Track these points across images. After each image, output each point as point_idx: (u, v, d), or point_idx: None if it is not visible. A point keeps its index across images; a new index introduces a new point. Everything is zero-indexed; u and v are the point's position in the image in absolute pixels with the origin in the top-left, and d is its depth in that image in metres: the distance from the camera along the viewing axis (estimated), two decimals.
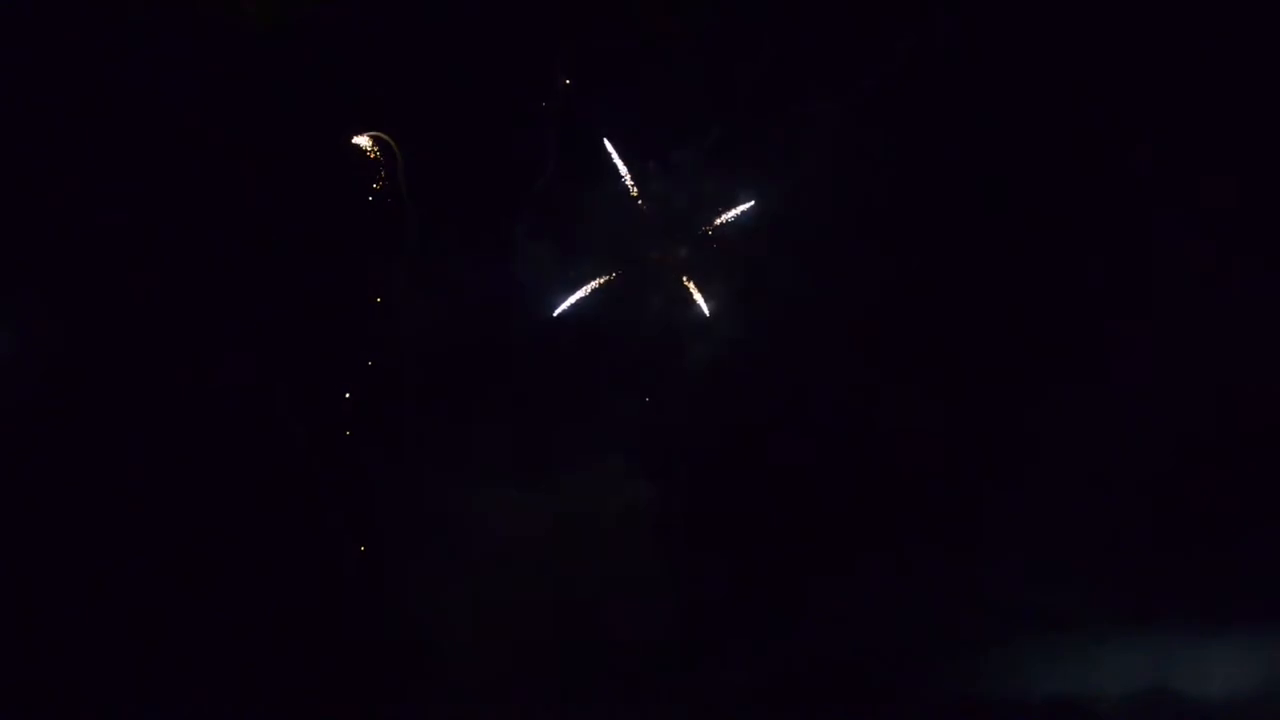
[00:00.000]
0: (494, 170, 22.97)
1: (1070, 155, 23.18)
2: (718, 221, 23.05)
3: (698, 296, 23.12)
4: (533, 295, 23.10)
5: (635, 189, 22.83)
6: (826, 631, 23.04)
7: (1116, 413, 23.09)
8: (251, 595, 21.99)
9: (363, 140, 22.62)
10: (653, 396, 23.69)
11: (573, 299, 23.03)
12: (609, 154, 22.80)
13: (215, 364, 22.34)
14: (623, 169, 22.70)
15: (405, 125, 22.84)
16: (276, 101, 22.22)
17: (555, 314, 23.13)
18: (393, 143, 22.73)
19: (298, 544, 22.38)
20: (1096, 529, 23.00)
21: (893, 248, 23.30)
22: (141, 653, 21.69)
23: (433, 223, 23.06)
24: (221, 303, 22.34)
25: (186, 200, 22.21)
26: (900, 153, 23.03)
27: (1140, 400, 23.01)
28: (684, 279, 23.10)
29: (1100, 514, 23.04)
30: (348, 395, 23.07)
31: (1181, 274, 22.93)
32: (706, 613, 23.19)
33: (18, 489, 21.60)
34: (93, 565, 21.64)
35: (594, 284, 23.20)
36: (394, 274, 23.07)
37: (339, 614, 22.49)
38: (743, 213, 23.02)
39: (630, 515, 23.09)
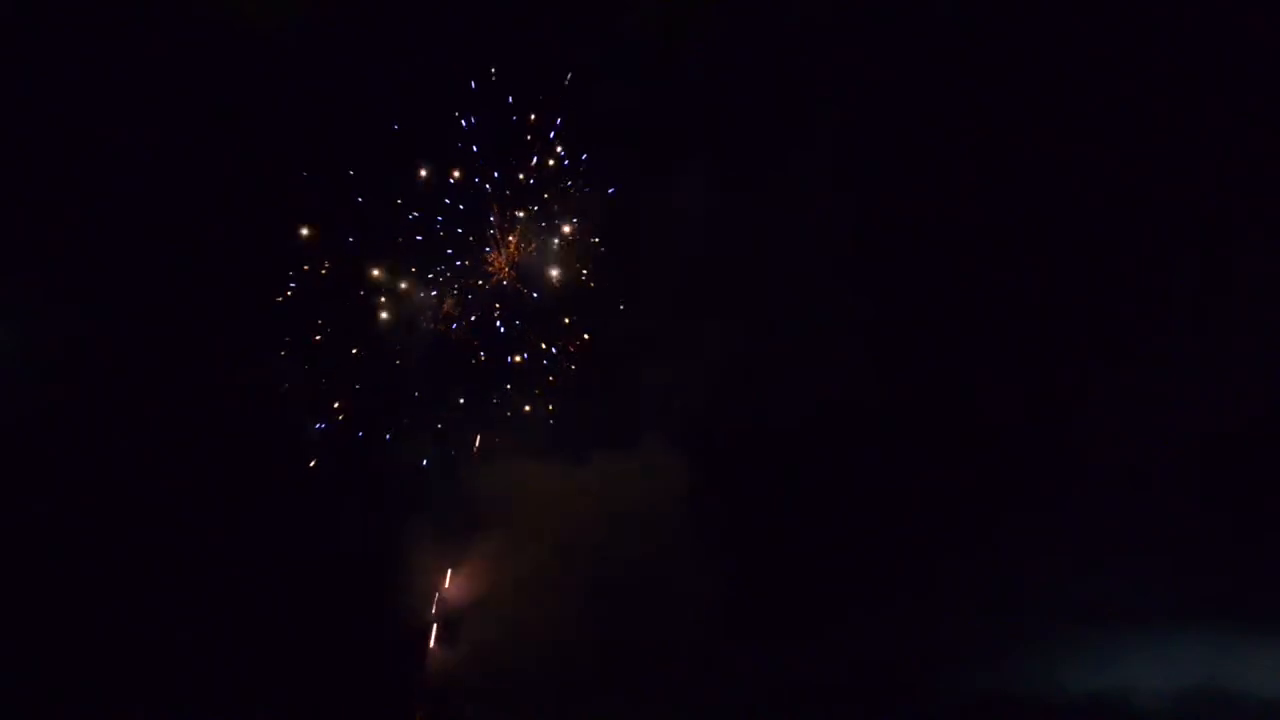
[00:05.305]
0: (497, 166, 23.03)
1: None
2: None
3: None
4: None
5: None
6: (862, 627, 22.71)
7: (1167, 404, 22.67)
8: (269, 588, 22.03)
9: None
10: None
11: None
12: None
13: (219, 363, 22.39)
14: None
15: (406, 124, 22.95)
16: (277, 101, 22.24)
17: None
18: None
19: (319, 532, 22.38)
20: (1141, 523, 22.52)
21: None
22: (145, 651, 21.68)
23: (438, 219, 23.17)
24: (222, 302, 22.39)
25: (186, 199, 22.29)
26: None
27: (1190, 392, 22.64)
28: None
29: (1145, 507, 22.58)
30: (364, 384, 23.12)
31: (1242, 261, 22.66)
32: (738, 608, 22.99)
33: (18, 489, 21.65)
34: (94, 564, 21.70)
35: None
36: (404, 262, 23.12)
37: (363, 602, 22.44)
38: None
39: (665, 502, 22.90)
